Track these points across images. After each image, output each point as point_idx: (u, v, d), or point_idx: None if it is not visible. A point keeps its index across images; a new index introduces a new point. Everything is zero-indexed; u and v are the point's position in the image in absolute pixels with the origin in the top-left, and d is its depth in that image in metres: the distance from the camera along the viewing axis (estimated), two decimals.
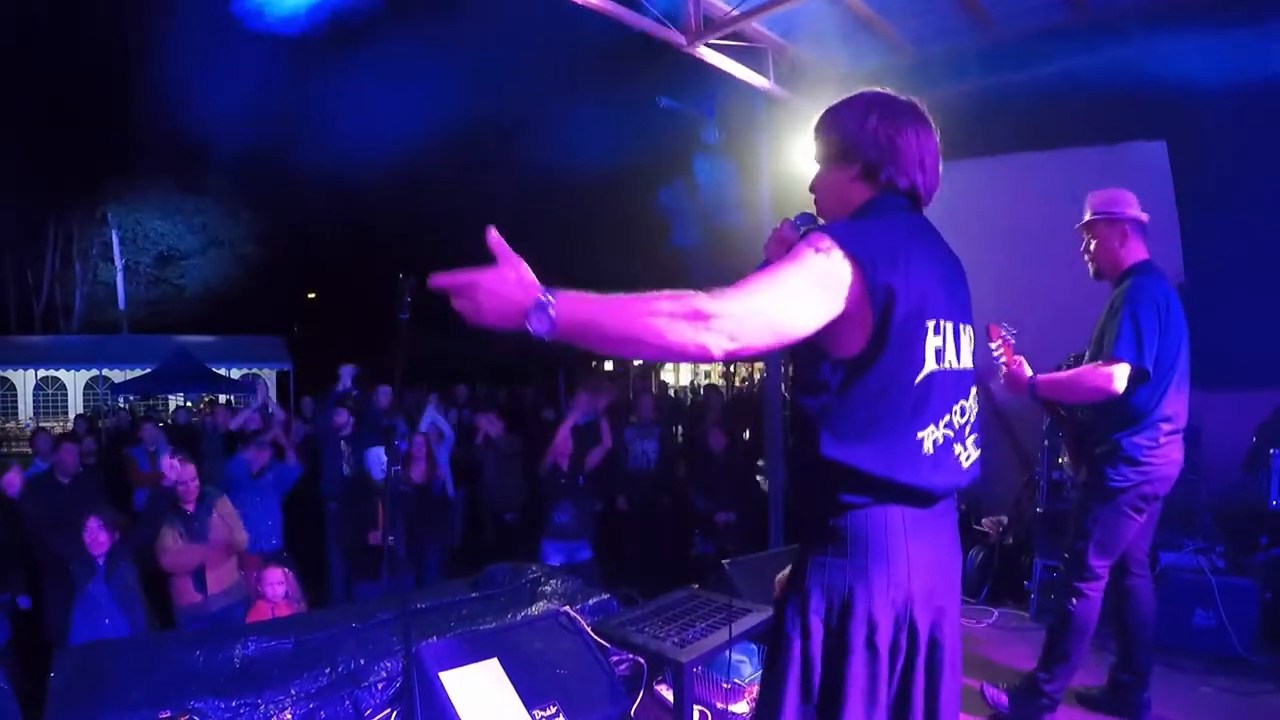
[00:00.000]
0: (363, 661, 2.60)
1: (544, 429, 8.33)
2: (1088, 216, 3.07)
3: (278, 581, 4.10)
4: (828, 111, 1.62)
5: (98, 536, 4.02)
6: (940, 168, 1.59)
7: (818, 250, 1.35)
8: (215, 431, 7.48)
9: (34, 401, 22.28)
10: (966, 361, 1.53)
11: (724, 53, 5.00)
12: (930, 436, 1.43)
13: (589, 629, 2.77)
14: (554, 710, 2.41)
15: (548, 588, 3.33)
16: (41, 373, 22.19)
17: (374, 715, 2.44)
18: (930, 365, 1.43)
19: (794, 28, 5.07)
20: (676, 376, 27.80)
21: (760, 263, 1.88)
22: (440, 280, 1.29)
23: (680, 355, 1.25)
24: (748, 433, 8.30)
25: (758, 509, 6.33)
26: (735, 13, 4.73)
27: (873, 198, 1.54)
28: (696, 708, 2.58)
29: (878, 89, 1.61)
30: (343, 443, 6.20)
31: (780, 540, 5.74)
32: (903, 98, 1.59)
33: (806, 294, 1.32)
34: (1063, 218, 5.22)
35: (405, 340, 2.11)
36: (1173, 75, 4.24)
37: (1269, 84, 4.13)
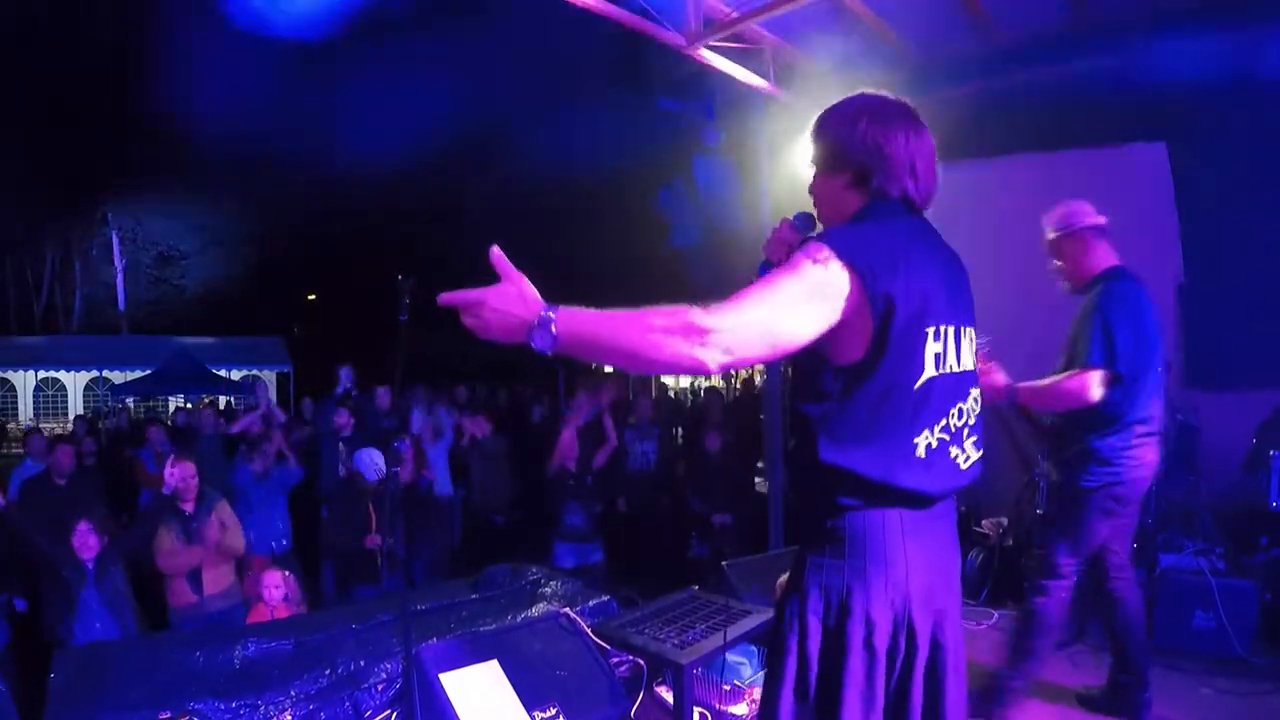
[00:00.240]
0: (363, 663, 2.60)
1: (535, 429, 8.34)
2: (1050, 236, 3.09)
3: (275, 585, 4.09)
4: (820, 117, 1.62)
5: (87, 540, 4.00)
6: (937, 170, 1.58)
7: (815, 261, 1.35)
8: (213, 432, 7.48)
9: (34, 402, 22.29)
10: (967, 364, 1.53)
11: (724, 54, 5.00)
12: (925, 441, 1.44)
13: (589, 630, 2.77)
14: (554, 711, 2.41)
15: (548, 589, 3.33)
16: (41, 373, 22.20)
17: (374, 716, 2.44)
18: (929, 371, 1.43)
19: (794, 29, 5.07)
20: (676, 379, 27.80)
21: (761, 263, 1.88)
22: (448, 298, 1.35)
23: (676, 369, 1.29)
24: (747, 435, 8.30)
25: (755, 511, 6.33)
26: (735, 14, 4.73)
27: (866, 204, 1.54)
28: (696, 709, 2.58)
29: (870, 91, 1.60)
30: (341, 445, 6.19)
31: (780, 542, 5.74)
32: (894, 100, 1.57)
33: (802, 305, 1.33)
34: None
35: (405, 341, 2.11)
36: (1173, 76, 4.24)
37: (1269, 84, 4.13)
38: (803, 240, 1.48)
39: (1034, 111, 4.88)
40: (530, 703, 2.40)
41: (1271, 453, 3.99)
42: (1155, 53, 4.36)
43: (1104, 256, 3.05)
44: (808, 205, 1.74)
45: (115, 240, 27.52)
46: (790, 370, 1.54)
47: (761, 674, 2.63)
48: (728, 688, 2.75)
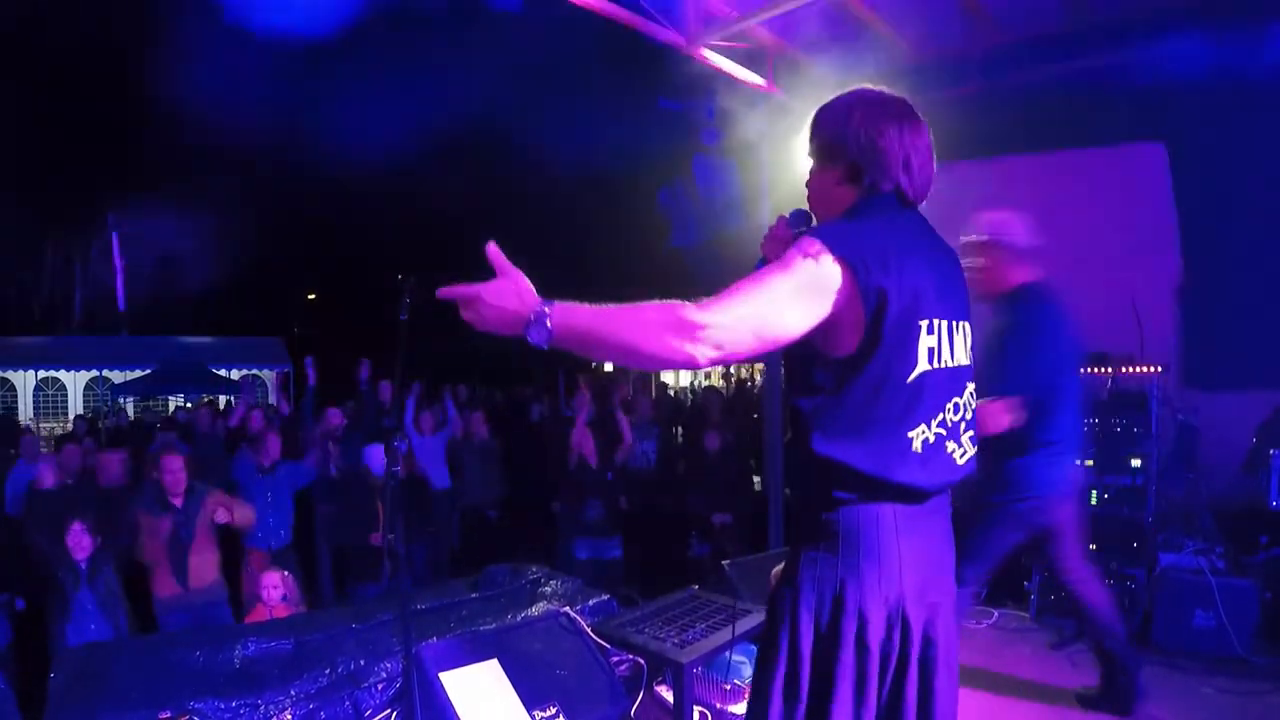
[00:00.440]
0: (363, 662, 2.59)
1: (533, 428, 8.34)
2: (978, 239, 3.09)
3: (274, 585, 4.08)
4: (816, 112, 1.63)
5: (81, 540, 4.00)
6: (932, 165, 1.58)
7: (806, 256, 1.36)
8: (209, 430, 7.48)
9: (34, 402, 22.27)
10: (961, 359, 1.53)
11: (724, 53, 5.00)
12: (920, 435, 1.44)
13: (589, 630, 2.77)
14: (554, 711, 2.41)
15: (547, 588, 3.33)
16: (41, 373, 22.18)
17: (374, 716, 2.44)
18: (923, 365, 1.43)
19: (794, 28, 5.07)
20: (676, 378, 27.79)
21: (758, 261, 1.89)
22: (446, 292, 1.38)
23: (668, 364, 1.31)
24: (746, 434, 8.29)
25: (756, 510, 6.33)
26: (735, 13, 4.73)
27: (859, 199, 1.54)
28: (696, 708, 2.58)
29: (867, 87, 1.60)
30: (330, 444, 6.17)
31: (780, 542, 5.74)
32: (891, 95, 1.58)
33: (793, 300, 1.34)
34: (1063, 219, 5.24)
35: (405, 340, 2.11)
36: (1173, 76, 4.24)
37: (1269, 85, 4.13)
38: (798, 234, 1.48)
39: (1034, 111, 4.88)
40: (530, 702, 2.40)
41: (1271, 452, 3.99)
42: (1155, 53, 4.36)
43: (1025, 271, 3.06)
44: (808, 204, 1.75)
45: (115, 240, 27.51)
46: (784, 365, 1.54)
47: None
48: (728, 687, 2.75)
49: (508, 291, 1.33)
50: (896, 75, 4.87)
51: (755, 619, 2.76)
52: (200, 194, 28.72)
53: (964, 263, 1.82)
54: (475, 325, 1.37)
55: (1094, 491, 4.32)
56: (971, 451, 1.56)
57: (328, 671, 2.54)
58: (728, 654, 2.68)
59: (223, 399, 18.08)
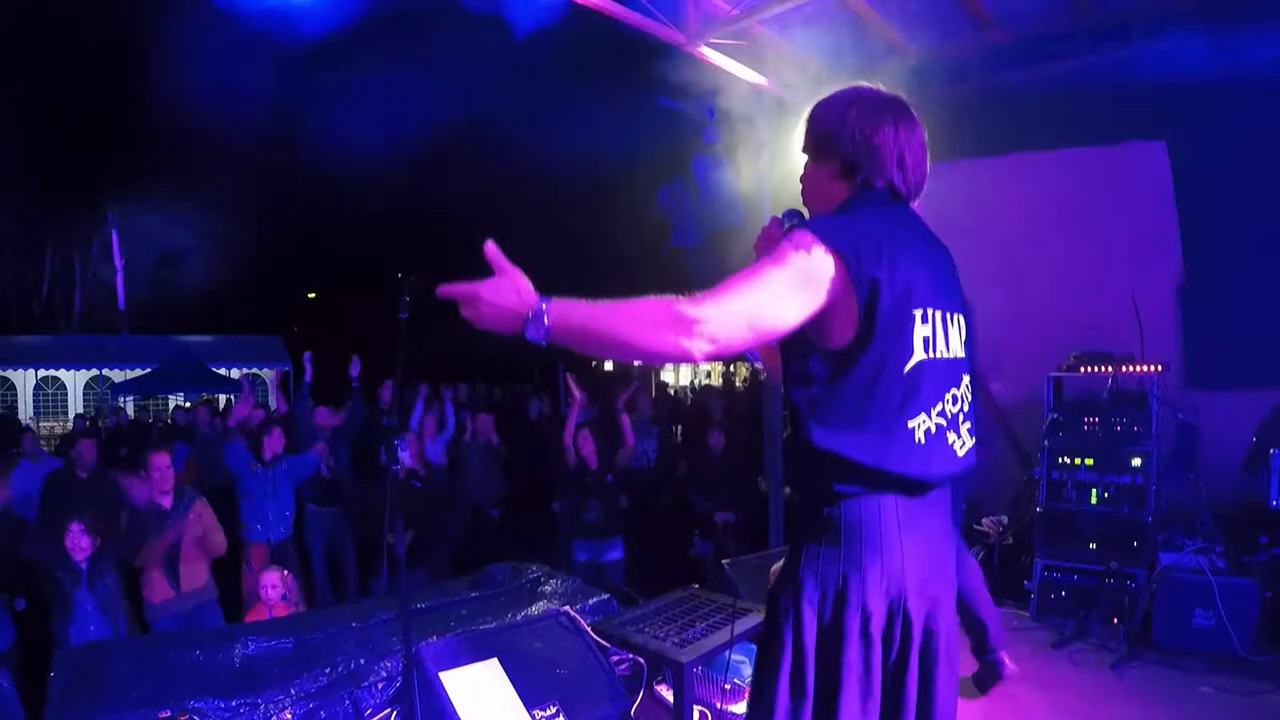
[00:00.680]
0: (363, 661, 2.59)
1: (533, 427, 8.35)
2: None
3: (274, 584, 4.07)
4: (812, 107, 1.64)
5: (79, 541, 3.96)
6: (927, 163, 1.59)
7: (798, 248, 1.37)
8: (207, 430, 7.47)
9: (34, 401, 22.26)
10: (956, 350, 1.53)
11: (724, 52, 5.00)
12: (921, 425, 1.44)
13: (589, 629, 2.77)
14: (554, 710, 2.41)
15: (548, 587, 3.33)
16: (41, 373, 22.18)
17: (374, 715, 2.44)
18: (919, 354, 1.44)
19: (794, 27, 5.07)
20: (676, 377, 27.82)
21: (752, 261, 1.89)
22: (446, 290, 1.39)
23: (665, 358, 1.34)
24: (747, 433, 8.29)
25: (758, 509, 6.33)
26: (735, 12, 4.73)
27: (852, 194, 1.55)
28: (696, 708, 2.58)
29: (863, 84, 1.61)
30: (322, 444, 6.16)
31: (780, 540, 5.74)
32: (886, 93, 1.59)
33: (786, 293, 1.35)
34: (1062, 218, 5.25)
35: (405, 340, 2.11)
36: (1173, 75, 4.24)
37: (1269, 84, 4.13)
38: (789, 229, 1.49)
39: (1034, 111, 4.88)
40: (530, 701, 2.40)
41: (1271, 452, 3.99)
42: (1155, 52, 4.35)
43: None
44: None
45: (115, 240, 27.50)
46: (781, 360, 1.54)
47: None
48: (728, 686, 2.75)
49: (506, 289, 1.34)
50: (897, 74, 4.88)
51: (755, 619, 2.76)
52: (201, 193, 28.74)
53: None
54: (474, 323, 1.38)
55: (1094, 491, 4.32)
56: (971, 443, 1.56)
57: (328, 671, 2.54)
58: (727, 654, 2.68)
59: (223, 398, 18.09)
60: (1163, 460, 4.32)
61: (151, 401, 21.46)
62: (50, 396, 22.70)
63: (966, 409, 1.55)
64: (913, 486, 1.45)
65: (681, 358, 1.31)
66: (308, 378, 6.70)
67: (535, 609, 3.05)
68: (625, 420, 6.12)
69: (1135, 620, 3.89)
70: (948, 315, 1.51)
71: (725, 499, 6.39)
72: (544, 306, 1.31)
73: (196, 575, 4.47)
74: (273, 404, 7.62)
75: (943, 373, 1.48)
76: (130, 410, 17.24)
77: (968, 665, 3.24)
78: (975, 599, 3.12)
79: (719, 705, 2.72)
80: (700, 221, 6.53)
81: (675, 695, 2.52)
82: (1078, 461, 4.39)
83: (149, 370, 19.58)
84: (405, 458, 5.67)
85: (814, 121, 1.62)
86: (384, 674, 2.56)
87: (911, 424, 1.43)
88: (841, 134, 1.54)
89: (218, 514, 4.80)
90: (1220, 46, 4.19)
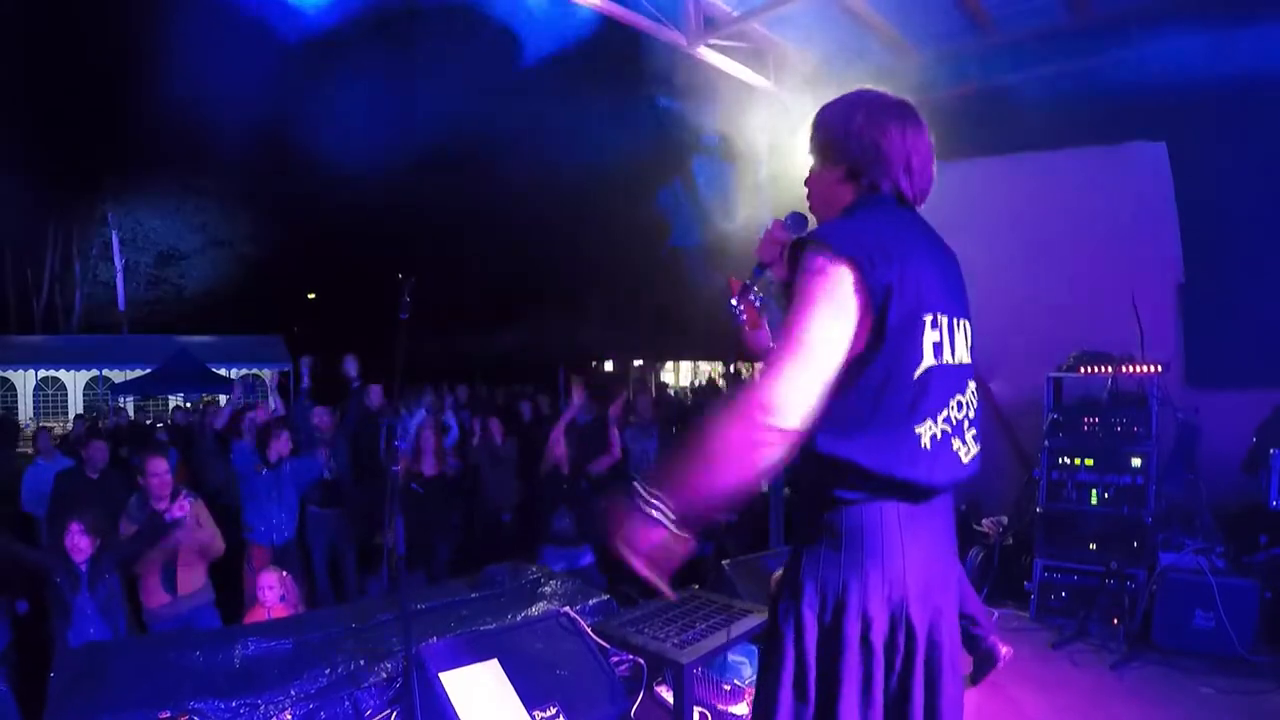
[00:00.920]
0: (362, 662, 2.59)
1: (539, 432, 8.34)
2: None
3: (271, 585, 4.05)
4: (819, 110, 1.64)
5: (78, 542, 3.94)
6: (933, 167, 1.59)
7: (815, 275, 1.39)
8: (211, 432, 7.46)
9: (34, 401, 22.26)
10: (963, 356, 1.53)
11: (724, 53, 5.01)
12: (929, 431, 1.44)
13: (589, 630, 2.77)
14: (554, 711, 2.41)
15: (548, 588, 3.33)
16: (41, 373, 22.17)
17: (374, 716, 2.44)
18: (929, 360, 1.43)
19: (794, 28, 5.07)
20: (676, 377, 27.83)
21: (755, 266, 1.89)
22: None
23: (770, 465, 1.36)
24: None
25: (758, 510, 6.32)
26: (735, 13, 4.73)
27: (858, 198, 1.55)
28: (696, 709, 2.58)
29: (869, 88, 1.61)
30: (321, 445, 6.14)
31: (780, 540, 5.75)
32: (892, 97, 1.59)
33: (828, 339, 1.37)
34: (1062, 218, 5.25)
35: (405, 340, 2.11)
36: (1173, 75, 4.24)
37: (1269, 84, 4.13)
38: (793, 241, 1.49)
39: (1034, 111, 4.88)
40: (530, 702, 2.40)
41: (1271, 452, 3.99)
42: (1155, 52, 4.35)
43: None
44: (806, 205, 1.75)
45: (115, 240, 27.51)
46: None
47: None
48: (728, 687, 2.75)
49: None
50: (896, 74, 4.88)
51: (754, 619, 2.76)
52: (201, 193, 28.75)
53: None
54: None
55: (1094, 491, 4.32)
56: (975, 450, 1.55)
57: (327, 671, 2.54)
58: (727, 654, 2.68)
59: (223, 398, 18.10)
60: (1163, 460, 4.32)
61: (151, 402, 21.46)
62: (50, 397, 22.70)
63: (972, 415, 1.54)
64: (917, 492, 1.45)
65: (780, 452, 1.34)
66: (305, 383, 6.69)
67: (535, 610, 3.05)
68: (614, 431, 6.09)
69: (1135, 621, 3.89)
70: (955, 320, 1.51)
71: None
72: (662, 514, 1.36)
73: (194, 578, 4.45)
74: (271, 405, 7.58)
75: (950, 379, 1.48)
76: (130, 410, 17.25)
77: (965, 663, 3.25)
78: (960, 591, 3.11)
79: (719, 706, 2.72)
80: (700, 222, 6.53)
81: (675, 696, 2.52)
82: (1078, 462, 4.39)
83: (149, 370, 19.57)
84: (425, 466, 5.67)
85: (821, 125, 1.61)
86: (384, 675, 2.55)
87: (919, 430, 1.43)
88: (848, 137, 1.54)
89: (217, 516, 4.79)
90: (1220, 46, 4.19)
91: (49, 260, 27.34)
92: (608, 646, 2.72)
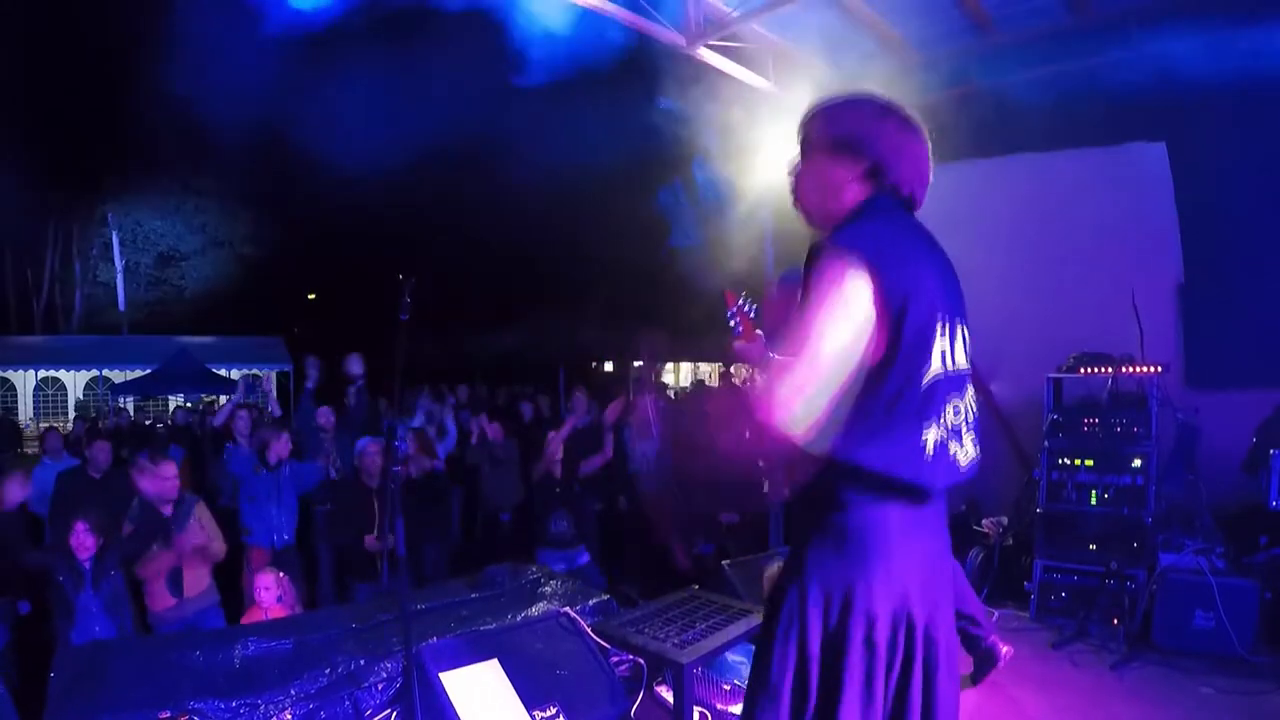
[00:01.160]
0: (363, 662, 2.59)
1: (539, 432, 8.35)
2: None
3: (268, 586, 4.04)
4: (835, 104, 1.64)
5: (84, 541, 3.94)
6: (930, 177, 1.63)
7: (833, 281, 1.40)
8: (212, 433, 7.46)
9: (34, 402, 22.26)
10: (962, 361, 1.55)
11: (724, 54, 5.01)
12: (933, 437, 1.45)
13: (589, 630, 2.77)
14: (554, 711, 2.41)
15: (548, 588, 3.33)
16: (41, 373, 22.17)
17: (374, 716, 2.44)
18: (936, 368, 1.45)
19: (794, 29, 5.07)
20: (677, 378, 27.80)
21: (767, 323, 1.91)
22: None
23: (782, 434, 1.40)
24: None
25: (759, 510, 6.32)
26: (735, 14, 4.74)
27: (871, 197, 1.55)
28: (696, 709, 2.58)
29: (877, 94, 1.64)
30: (326, 445, 6.14)
31: (780, 540, 5.75)
32: (909, 110, 1.62)
33: (840, 345, 1.39)
34: (1062, 218, 5.25)
35: (405, 340, 2.11)
36: (1173, 76, 4.24)
37: (1269, 84, 4.13)
38: (812, 244, 1.49)
39: (1034, 111, 4.88)
40: (530, 702, 2.40)
41: (1271, 452, 3.99)
42: (1155, 52, 4.36)
43: None
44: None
45: (115, 241, 27.51)
46: None
47: None
48: (728, 687, 2.75)
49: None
50: (896, 75, 4.88)
51: (754, 619, 2.76)
52: (201, 193, 28.75)
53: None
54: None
55: (1094, 492, 4.32)
56: (974, 454, 1.56)
57: (327, 671, 2.54)
58: (727, 654, 2.67)
59: (223, 399, 18.11)
60: (1163, 461, 4.32)
61: (151, 402, 21.45)
62: (50, 397, 22.69)
63: (970, 419, 1.56)
64: (918, 495, 1.46)
65: (788, 435, 1.39)
66: (310, 384, 6.67)
67: (535, 610, 3.05)
68: (609, 436, 6.10)
69: (1135, 621, 3.89)
70: (956, 325, 1.53)
71: (731, 500, 6.37)
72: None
73: (199, 581, 4.44)
74: (270, 406, 7.58)
75: (950, 384, 1.50)
76: (131, 410, 17.25)
77: (964, 663, 3.24)
78: (956, 592, 3.10)
79: (719, 706, 2.72)
80: (700, 222, 6.53)
81: (675, 696, 2.52)
82: (1078, 462, 4.39)
83: (149, 371, 19.57)
84: (410, 468, 5.65)
85: (840, 120, 1.61)
86: (384, 675, 2.55)
87: (925, 436, 1.44)
88: (880, 138, 1.56)
89: (218, 518, 4.79)
90: (1220, 46, 4.19)
91: (49, 260, 27.35)
92: (608, 646, 2.72)
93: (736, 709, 2.70)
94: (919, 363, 1.42)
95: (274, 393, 7.42)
